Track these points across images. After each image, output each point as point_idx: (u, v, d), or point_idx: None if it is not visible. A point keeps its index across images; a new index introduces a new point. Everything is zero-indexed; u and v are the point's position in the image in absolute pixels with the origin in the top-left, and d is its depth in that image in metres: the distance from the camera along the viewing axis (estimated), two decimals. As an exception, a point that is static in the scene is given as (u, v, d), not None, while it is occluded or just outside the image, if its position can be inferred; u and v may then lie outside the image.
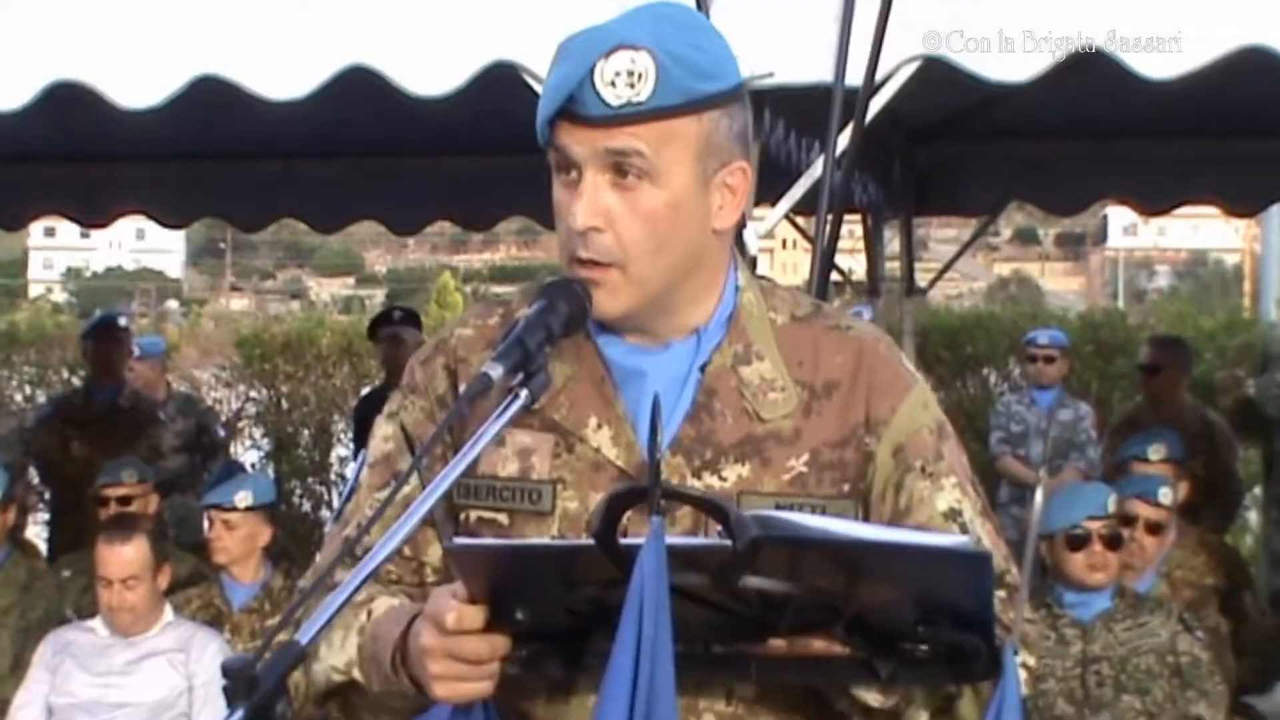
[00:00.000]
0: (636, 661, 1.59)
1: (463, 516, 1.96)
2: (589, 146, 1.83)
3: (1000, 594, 1.91)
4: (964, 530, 1.91)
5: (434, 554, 1.98)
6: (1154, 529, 4.96)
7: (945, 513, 1.92)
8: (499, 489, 1.94)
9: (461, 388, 1.94)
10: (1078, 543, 4.48)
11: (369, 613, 1.90)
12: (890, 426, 1.92)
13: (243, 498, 5.22)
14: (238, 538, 5.18)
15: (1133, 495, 4.95)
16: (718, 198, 1.89)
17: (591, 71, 1.80)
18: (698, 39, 1.85)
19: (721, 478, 1.88)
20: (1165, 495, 5.05)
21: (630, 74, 1.80)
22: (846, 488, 1.90)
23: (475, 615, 1.73)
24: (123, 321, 7.89)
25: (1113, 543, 4.52)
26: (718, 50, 1.87)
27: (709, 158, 1.86)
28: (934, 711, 1.83)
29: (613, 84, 1.80)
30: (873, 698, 1.78)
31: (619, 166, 1.83)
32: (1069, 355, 8.39)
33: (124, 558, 4.77)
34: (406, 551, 1.97)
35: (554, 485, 1.92)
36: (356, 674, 1.88)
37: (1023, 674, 1.87)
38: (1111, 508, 4.61)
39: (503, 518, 1.94)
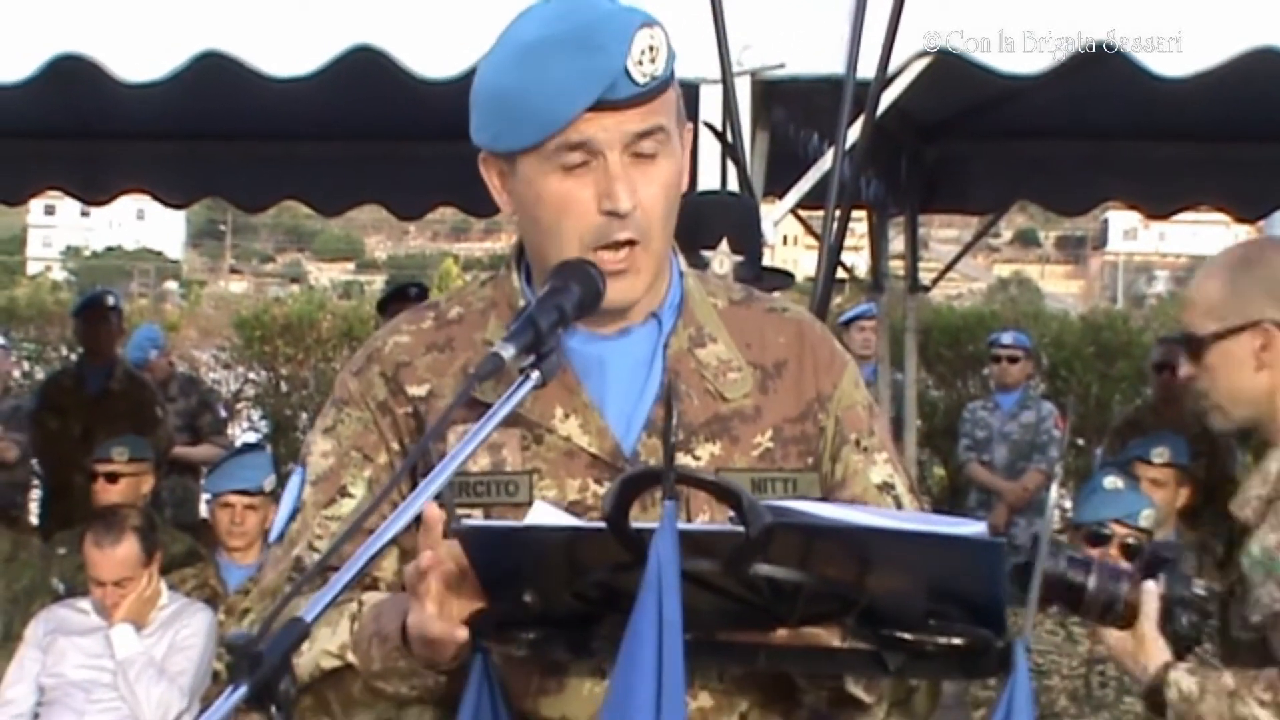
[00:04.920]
0: (659, 647, 1.56)
1: None
2: (616, 130, 1.81)
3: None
4: (897, 502, 1.94)
5: (388, 566, 1.93)
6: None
7: (879, 485, 1.95)
8: (471, 484, 1.89)
9: (413, 391, 1.91)
10: (1096, 540, 4.41)
11: (360, 603, 1.86)
12: (833, 401, 1.97)
13: (270, 482, 5.18)
14: (257, 521, 5.13)
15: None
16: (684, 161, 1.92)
17: (626, 56, 1.78)
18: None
19: (695, 457, 1.88)
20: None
21: (652, 49, 1.80)
22: (811, 460, 1.93)
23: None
24: (111, 300, 7.77)
25: (1130, 553, 4.45)
26: None
27: (680, 121, 1.89)
28: (892, 704, 1.83)
29: (640, 62, 1.79)
30: (861, 693, 1.78)
31: (642, 143, 1.82)
32: (1032, 357, 8.43)
33: (114, 560, 4.68)
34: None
35: (529, 476, 1.89)
36: (351, 657, 1.85)
37: None
38: (1145, 521, 4.50)
39: (477, 513, 1.88)
